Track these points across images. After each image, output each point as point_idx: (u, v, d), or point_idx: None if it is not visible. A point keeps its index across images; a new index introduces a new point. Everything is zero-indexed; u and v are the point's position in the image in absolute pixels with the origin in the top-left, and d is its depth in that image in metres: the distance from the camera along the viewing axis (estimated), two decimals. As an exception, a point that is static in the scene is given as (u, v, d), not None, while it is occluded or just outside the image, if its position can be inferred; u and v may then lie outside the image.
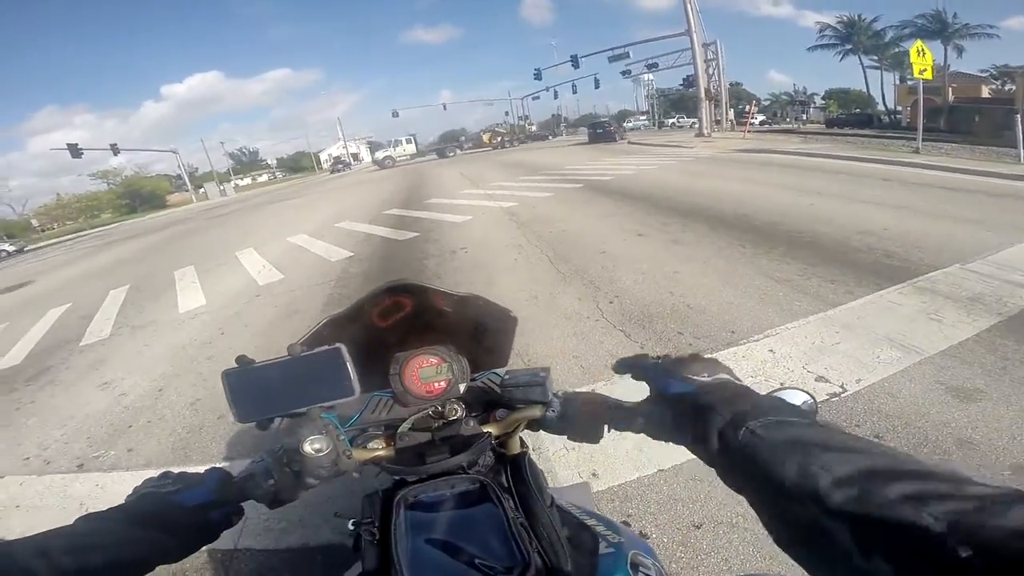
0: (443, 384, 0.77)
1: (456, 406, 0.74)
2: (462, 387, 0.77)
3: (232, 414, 0.63)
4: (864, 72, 43.18)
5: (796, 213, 5.80)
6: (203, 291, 6.80)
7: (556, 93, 50.37)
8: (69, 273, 13.29)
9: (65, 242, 34.19)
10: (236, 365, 0.64)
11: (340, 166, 50.27)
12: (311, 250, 8.14)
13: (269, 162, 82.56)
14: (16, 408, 4.07)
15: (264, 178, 71.37)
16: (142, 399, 3.71)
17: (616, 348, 3.17)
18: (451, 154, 38.13)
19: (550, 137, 49.61)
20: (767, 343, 2.96)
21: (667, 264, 4.59)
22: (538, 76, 40.92)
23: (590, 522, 0.72)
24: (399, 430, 0.74)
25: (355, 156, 42.02)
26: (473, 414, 0.75)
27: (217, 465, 0.68)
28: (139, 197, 58.28)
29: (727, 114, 26.84)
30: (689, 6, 23.66)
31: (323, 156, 43.34)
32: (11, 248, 34.25)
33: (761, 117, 23.42)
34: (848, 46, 42.16)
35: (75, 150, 34.75)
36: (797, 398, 0.62)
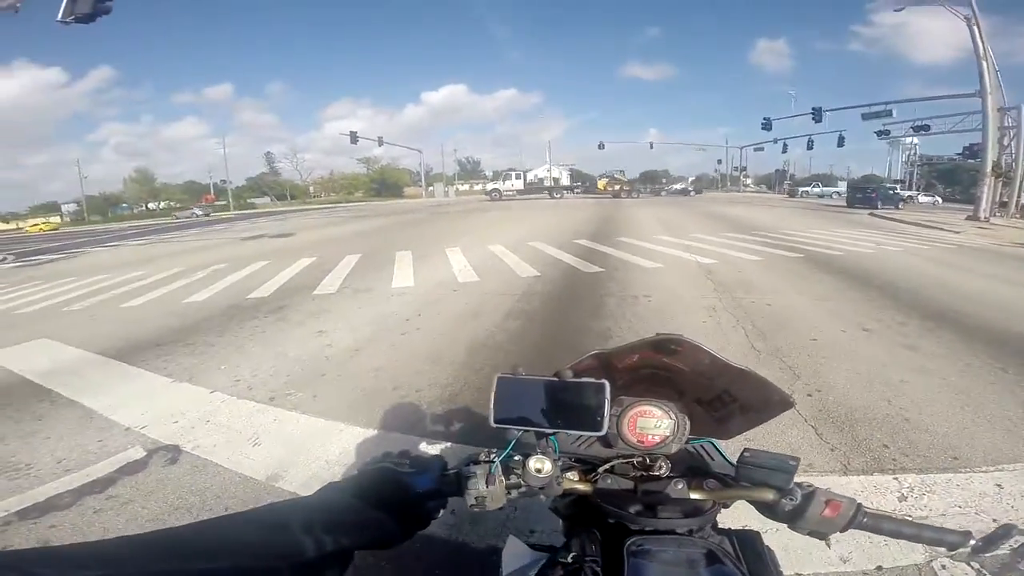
0: (657, 439, 0.74)
1: (663, 463, 0.73)
2: (675, 447, 0.75)
3: (491, 413, 0.68)
4: None
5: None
6: (413, 274, 7.80)
7: (785, 146, 46.14)
8: (322, 234, 16.70)
9: (326, 208, 43.47)
10: (509, 373, 0.68)
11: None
12: (505, 261, 8.74)
13: (487, 173, 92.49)
14: (251, 335, 5.01)
15: (479, 187, 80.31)
16: (341, 353, 4.29)
17: (800, 443, 2.68)
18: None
19: (692, 193, 46.23)
20: (996, 476, 2.33)
21: (892, 369, 3.73)
22: (767, 126, 37.77)
23: None
24: (600, 469, 0.73)
25: (556, 181, 44.78)
26: (676, 474, 0.72)
27: (437, 453, 0.72)
28: (384, 184, 70.58)
29: (1018, 196, 20.48)
30: (985, 64, 18.91)
31: (529, 176, 47.03)
32: (200, 212, 45.56)
33: None
34: None
35: (353, 137, 43.60)
36: None
